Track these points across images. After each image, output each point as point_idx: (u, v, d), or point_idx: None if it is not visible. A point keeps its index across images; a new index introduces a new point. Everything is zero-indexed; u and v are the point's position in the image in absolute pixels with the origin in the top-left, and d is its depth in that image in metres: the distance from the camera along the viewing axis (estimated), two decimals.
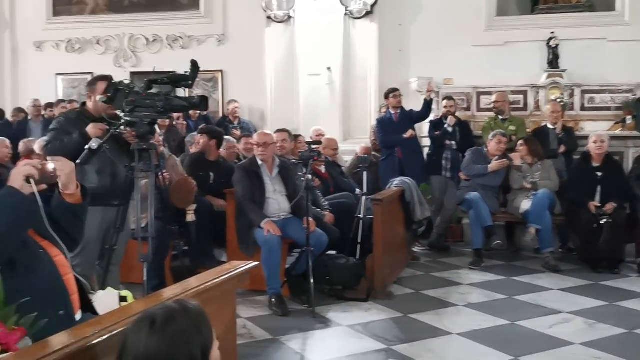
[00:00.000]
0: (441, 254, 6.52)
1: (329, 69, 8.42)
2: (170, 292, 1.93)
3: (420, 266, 6.02)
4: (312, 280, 4.44)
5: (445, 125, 6.75)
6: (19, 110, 8.72)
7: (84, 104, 4.06)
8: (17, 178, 1.97)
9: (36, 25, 9.55)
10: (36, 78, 9.55)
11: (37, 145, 5.56)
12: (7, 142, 6.06)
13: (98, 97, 3.74)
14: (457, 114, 7.01)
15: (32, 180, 1.98)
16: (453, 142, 6.72)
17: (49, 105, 8.42)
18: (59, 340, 1.41)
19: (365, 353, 3.66)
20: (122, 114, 3.60)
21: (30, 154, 5.81)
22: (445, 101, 7.01)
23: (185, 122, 7.62)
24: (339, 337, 4.01)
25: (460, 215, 6.87)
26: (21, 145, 6.31)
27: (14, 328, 1.54)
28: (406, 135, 6.79)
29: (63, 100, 8.47)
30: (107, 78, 3.91)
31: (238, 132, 7.69)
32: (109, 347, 1.43)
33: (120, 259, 3.95)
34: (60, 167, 2.12)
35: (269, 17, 8.70)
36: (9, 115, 8.76)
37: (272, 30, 8.75)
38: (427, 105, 6.97)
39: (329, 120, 8.13)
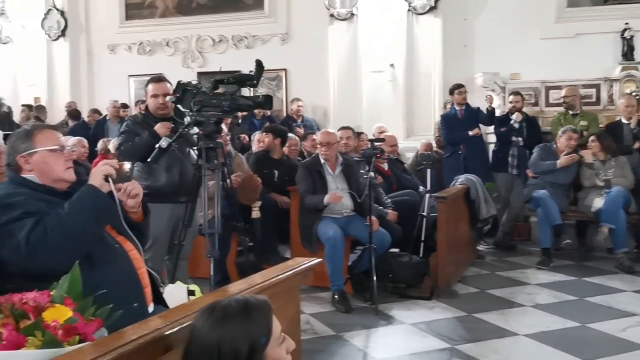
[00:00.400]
0: (507, 252, 6.36)
1: (392, 65, 8.37)
2: (236, 287, 1.98)
3: (486, 265, 5.90)
4: (374, 278, 4.45)
5: (512, 122, 6.58)
6: (94, 111, 9.14)
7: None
8: (97, 177, 2.08)
9: (110, 29, 9.97)
10: (110, 79, 9.97)
11: (112, 145, 5.84)
12: (85, 141, 6.37)
13: (167, 98, 3.89)
14: (524, 109, 6.82)
15: (110, 179, 2.09)
16: (520, 139, 6.54)
17: (124, 106, 8.78)
18: (134, 331, 1.48)
19: (429, 352, 3.64)
20: (189, 113, 3.72)
21: (107, 152, 6.11)
22: (511, 96, 6.81)
23: (247, 139, 7.49)
24: (402, 334, 4.00)
25: (527, 214, 6.68)
26: (100, 144, 6.64)
27: (91, 319, 1.61)
28: (471, 133, 6.66)
29: (143, 101, 8.78)
30: (154, 79, 4.08)
31: (301, 130, 7.76)
32: (180, 338, 1.49)
33: (188, 254, 4.09)
34: (137, 189, 2.22)
35: (331, 15, 8.75)
36: (85, 116, 9.18)
37: (335, 28, 8.80)
38: (490, 115, 6.78)
39: (392, 117, 8.09)
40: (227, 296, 1.54)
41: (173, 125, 3.81)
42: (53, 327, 1.50)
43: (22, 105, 8.99)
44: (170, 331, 1.50)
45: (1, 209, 2.02)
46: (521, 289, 5.01)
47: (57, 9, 9.80)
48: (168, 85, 4.03)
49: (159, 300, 2.31)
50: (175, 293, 2.45)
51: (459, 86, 6.89)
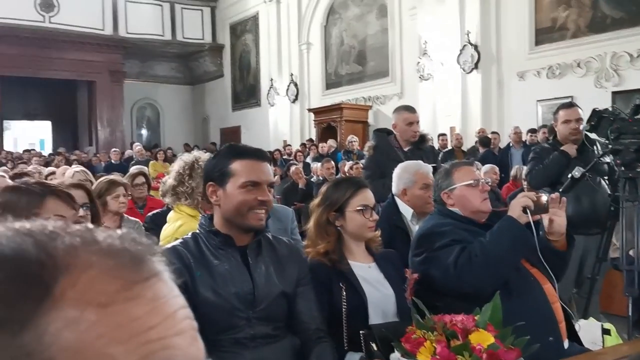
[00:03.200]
0: None
1: None
2: None
3: None
4: None
5: None
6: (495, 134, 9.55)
7: (555, 135, 4.15)
8: (515, 208, 2.22)
9: (519, 57, 10.17)
10: (518, 106, 10.16)
11: (522, 171, 5.98)
12: (496, 168, 6.70)
13: (581, 127, 3.81)
14: None
15: (528, 211, 2.20)
16: None
17: (531, 131, 8.87)
18: None
19: None
20: (606, 142, 3.56)
21: (517, 179, 6.31)
22: None
23: None
24: None
25: None
26: (513, 171, 6.90)
27: (511, 348, 1.73)
28: None
29: (544, 126, 8.78)
30: (566, 105, 3.99)
31: None
32: None
33: (600, 288, 3.88)
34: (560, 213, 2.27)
35: None
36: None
37: None
38: None
39: None
40: None
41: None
42: (478, 350, 1.67)
43: (439, 135, 9.97)
44: None
45: (434, 236, 2.34)
46: None
47: (472, 44, 10.51)
48: (579, 110, 3.96)
49: (573, 336, 2.29)
50: (589, 330, 2.39)
51: None
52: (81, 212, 1.73)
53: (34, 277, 0.40)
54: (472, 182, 2.46)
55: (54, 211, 1.69)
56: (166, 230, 2.92)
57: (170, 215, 3.00)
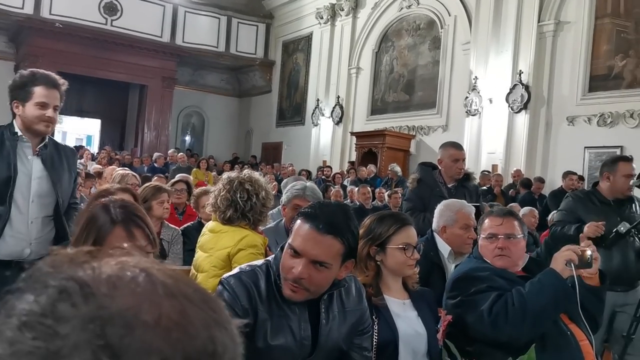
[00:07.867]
0: None
1: None
2: None
3: None
4: None
5: None
6: (539, 180, 9.39)
7: (595, 183, 4.00)
8: (559, 262, 2.19)
9: (570, 101, 10.04)
10: (565, 151, 10.00)
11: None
12: (535, 212, 6.58)
13: (631, 182, 3.72)
14: None
15: (572, 265, 2.16)
16: None
17: (580, 178, 8.73)
18: None
19: None
20: None
21: None
22: None
23: None
24: None
25: None
26: (550, 215, 6.77)
27: None
28: None
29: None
30: (627, 159, 3.88)
31: None
32: None
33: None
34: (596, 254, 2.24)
35: None
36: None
37: None
38: None
39: None
40: None
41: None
42: None
43: (482, 172, 9.86)
44: None
45: (470, 280, 2.32)
46: None
47: (523, 84, 10.41)
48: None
49: None
50: None
51: None
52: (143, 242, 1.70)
53: None
54: (489, 235, 2.42)
55: (119, 241, 1.64)
56: (222, 241, 2.66)
57: (222, 228, 2.71)
